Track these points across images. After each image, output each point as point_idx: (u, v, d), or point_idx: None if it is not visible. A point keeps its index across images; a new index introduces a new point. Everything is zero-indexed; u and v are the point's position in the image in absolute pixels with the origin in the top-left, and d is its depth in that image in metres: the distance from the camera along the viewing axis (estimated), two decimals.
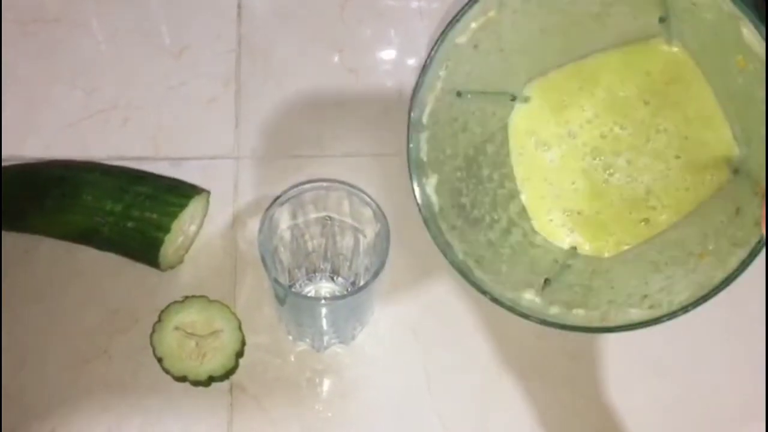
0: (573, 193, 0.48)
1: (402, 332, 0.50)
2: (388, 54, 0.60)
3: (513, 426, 0.48)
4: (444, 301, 0.51)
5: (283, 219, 0.45)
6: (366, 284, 0.42)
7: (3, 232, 0.51)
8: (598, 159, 0.47)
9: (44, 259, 0.51)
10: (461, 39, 0.43)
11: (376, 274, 0.42)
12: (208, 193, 0.52)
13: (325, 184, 0.43)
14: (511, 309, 0.43)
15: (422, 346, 0.50)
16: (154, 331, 0.48)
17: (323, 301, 0.46)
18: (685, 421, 0.49)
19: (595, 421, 0.49)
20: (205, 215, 0.53)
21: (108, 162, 0.53)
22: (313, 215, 0.46)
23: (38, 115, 0.56)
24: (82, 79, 0.58)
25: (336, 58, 0.60)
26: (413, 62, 0.60)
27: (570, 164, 0.48)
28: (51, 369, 0.48)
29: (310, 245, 0.49)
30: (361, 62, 0.60)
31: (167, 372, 0.47)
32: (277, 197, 0.43)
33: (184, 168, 0.54)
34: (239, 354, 0.48)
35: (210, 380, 0.47)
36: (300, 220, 0.46)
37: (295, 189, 0.43)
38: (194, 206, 0.50)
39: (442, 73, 0.44)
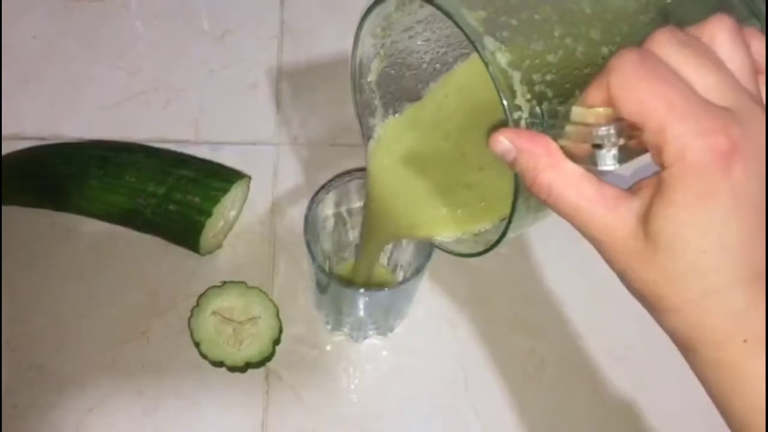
0: None
1: (440, 325, 0.50)
2: None
3: (550, 423, 0.48)
4: (483, 294, 0.51)
5: (328, 207, 0.45)
6: (409, 278, 0.42)
7: (46, 212, 0.51)
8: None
9: (85, 238, 0.51)
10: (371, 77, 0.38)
11: (419, 270, 0.41)
12: (249, 178, 0.52)
13: None
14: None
15: (460, 339, 0.50)
16: (192, 315, 0.48)
17: (363, 291, 0.46)
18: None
19: (636, 423, 0.48)
20: (244, 201, 0.53)
21: (148, 144, 0.53)
22: (356, 204, 0.46)
23: (80, 94, 0.56)
24: (124, 60, 0.57)
25: None
26: None
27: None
28: (90, 348, 0.48)
29: (351, 235, 0.48)
30: None
31: (204, 357, 0.47)
32: (325, 184, 0.42)
33: (224, 153, 0.54)
34: (276, 341, 0.48)
35: (246, 367, 0.47)
36: (343, 208, 0.46)
37: (343, 177, 0.43)
38: (235, 191, 0.50)
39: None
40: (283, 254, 0.51)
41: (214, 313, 0.48)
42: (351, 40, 0.58)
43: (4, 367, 0.47)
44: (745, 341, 0.24)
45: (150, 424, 0.46)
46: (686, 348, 0.26)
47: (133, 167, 0.49)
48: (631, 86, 0.23)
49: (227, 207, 0.50)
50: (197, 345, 0.47)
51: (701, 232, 0.23)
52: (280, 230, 0.52)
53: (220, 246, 0.51)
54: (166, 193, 0.48)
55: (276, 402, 0.47)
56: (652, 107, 0.23)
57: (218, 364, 0.47)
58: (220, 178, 0.49)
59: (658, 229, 0.24)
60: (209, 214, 0.48)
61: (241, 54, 0.58)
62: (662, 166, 0.24)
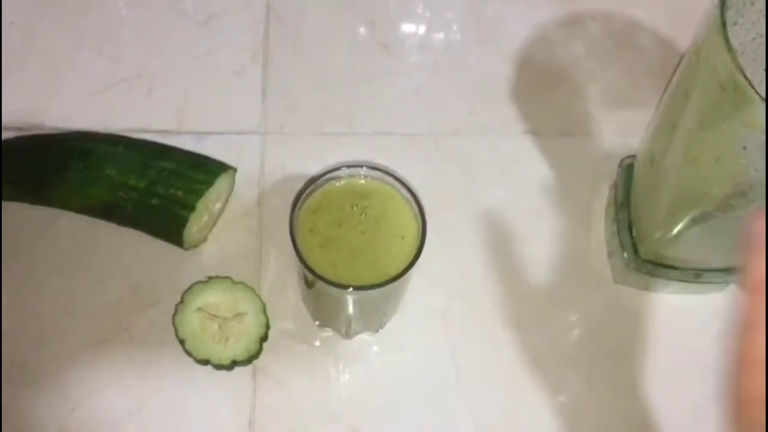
0: None
1: (431, 320, 0.49)
2: (420, 28, 0.58)
3: (543, 420, 0.47)
4: (475, 289, 0.50)
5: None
6: (398, 275, 0.40)
7: (25, 205, 0.49)
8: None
9: (65, 233, 0.49)
10: None
11: (409, 266, 0.40)
12: (235, 170, 0.50)
13: (363, 170, 0.42)
14: None
15: (452, 335, 0.48)
16: (176, 312, 0.46)
17: (351, 289, 0.45)
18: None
19: (629, 419, 0.47)
20: (230, 193, 0.51)
21: (131, 134, 0.51)
22: None
23: (61, 83, 0.54)
24: (105, 47, 0.56)
25: (367, 32, 0.57)
26: (442, 37, 0.57)
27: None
28: (72, 345, 0.47)
29: None
30: (392, 36, 0.57)
31: (189, 354, 0.46)
32: (311, 177, 0.41)
33: (209, 143, 0.53)
34: (263, 338, 0.47)
35: (233, 364, 0.46)
36: None
37: (331, 172, 0.41)
38: (220, 184, 0.48)
39: None
40: (271, 248, 0.50)
41: (199, 309, 0.46)
42: (338, 25, 0.57)
43: None
44: None
45: (134, 424, 0.45)
46: None
47: (113, 160, 0.47)
48: None
49: (212, 200, 0.49)
50: (182, 342, 0.46)
51: None
52: (268, 223, 0.51)
53: (204, 240, 0.50)
54: (148, 187, 0.47)
55: (263, 399, 0.46)
56: None
57: (204, 362, 0.46)
58: (203, 171, 0.48)
59: None
60: (193, 209, 0.46)
61: (226, 39, 0.56)
62: None
